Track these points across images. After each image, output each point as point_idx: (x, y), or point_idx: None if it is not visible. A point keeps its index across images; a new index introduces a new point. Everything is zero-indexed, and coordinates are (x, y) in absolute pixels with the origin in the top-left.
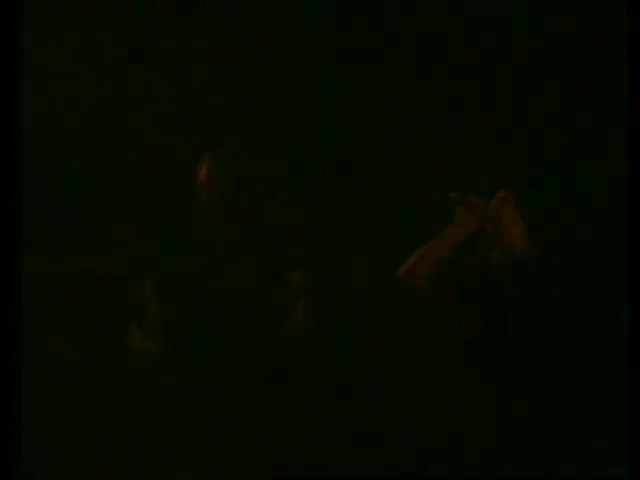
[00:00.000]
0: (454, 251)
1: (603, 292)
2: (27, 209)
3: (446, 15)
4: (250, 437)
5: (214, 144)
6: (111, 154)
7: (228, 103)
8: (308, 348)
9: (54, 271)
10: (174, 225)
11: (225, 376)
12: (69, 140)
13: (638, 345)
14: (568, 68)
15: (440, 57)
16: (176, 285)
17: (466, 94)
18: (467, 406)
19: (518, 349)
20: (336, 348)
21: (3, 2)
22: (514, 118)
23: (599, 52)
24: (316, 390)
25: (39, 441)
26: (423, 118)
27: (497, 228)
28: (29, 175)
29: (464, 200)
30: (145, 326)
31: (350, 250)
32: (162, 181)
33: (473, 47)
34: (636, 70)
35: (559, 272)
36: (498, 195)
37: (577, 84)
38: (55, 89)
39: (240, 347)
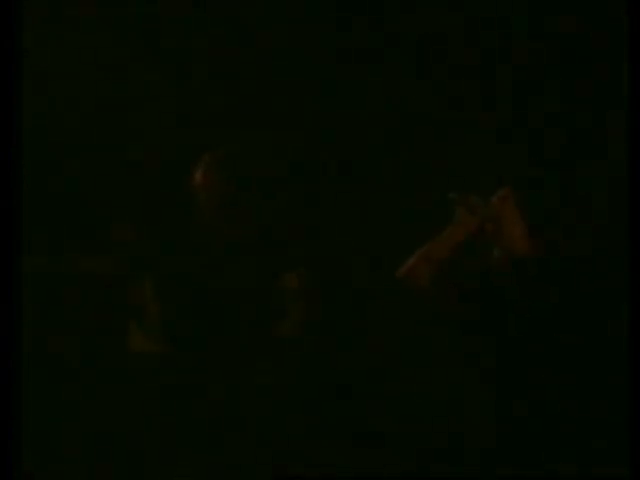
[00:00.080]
0: (454, 251)
1: (603, 292)
2: (27, 209)
3: (446, 15)
4: (250, 437)
5: (214, 144)
6: (111, 154)
7: (228, 103)
8: (308, 348)
9: (54, 271)
10: (174, 225)
11: (225, 376)
12: (69, 140)
13: (638, 345)
14: (568, 68)
15: (440, 57)
16: (176, 285)
17: (466, 94)
18: (467, 406)
19: (518, 349)
20: (336, 348)
21: (3, 2)
22: (514, 118)
23: (599, 52)
24: (316, 390)
25: (39, 441)
26: (423, 118)
27: (497, 228)
28: (29, 175)
29: (464, 200)
30: (145, 326)
31: (350, 250)
32: (162, 181)
33: (473, 47)
34: (636, 70)
35: (559, 272)
36: (498, 194)
37: (577, 84)
38: (55, 89)
39: (240, 347)
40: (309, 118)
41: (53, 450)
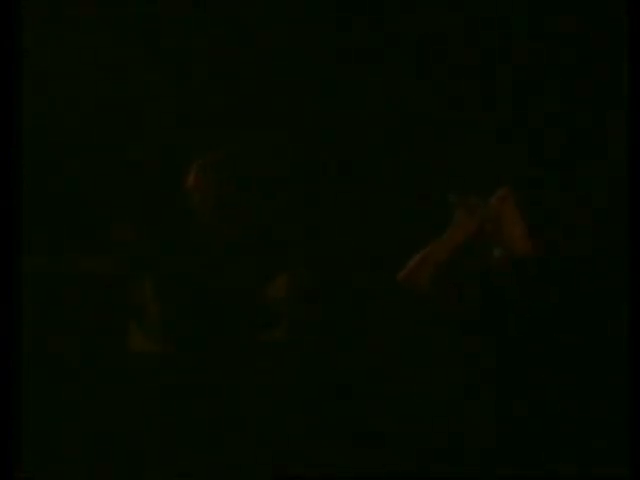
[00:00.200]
0: (454, 253)
1: (603, 292)
2: (27, 209)
3: (446, 15)
4: (250, 437)
5: (214, 144)
6: (111, 154)
7: (228, 103)
8: (308, 348)
9: (54, 271)
10: (173, 225)
11: (225, 376)
12: (69, 140)
13: (638, 345)
14: (568, 68)
15: (440, 57)
16: (175, 285)
17: (466, 94)
18: (467, 406)
19: (518, 349)
20: (336, 348)
21: (3, 2)
22: (514, 118)
23: (599, 52)
24: (316, 390)
25: (39, 441)
26: (423, 118)
27: (497, 228)
28: (29, 175)
29: (463, 202)
30: (145, 326)
31: (350, 251)
32: (162, 181)
33: (473, 47)
34: (636, 70)
35: (559, 272)
36: (497, 194)
37: (577, 84)
38: (55, 89)
39: (239, 347)
40: (308, 118)
41: (53, 450)
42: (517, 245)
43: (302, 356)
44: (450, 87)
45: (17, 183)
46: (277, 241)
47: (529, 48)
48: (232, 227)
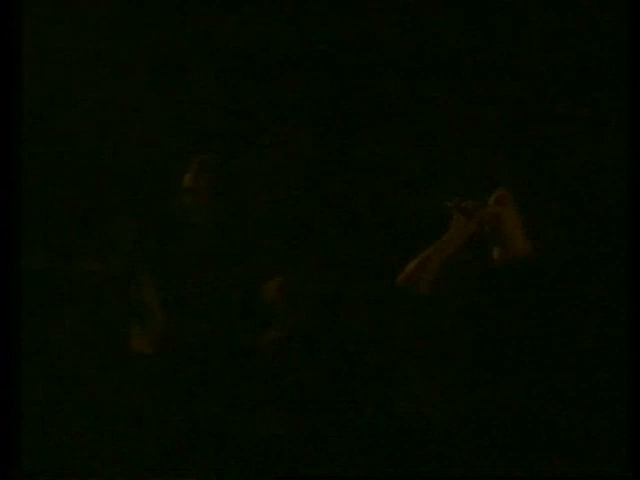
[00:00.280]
0: (453, 257)
1: (603, 292)
2: (27, 209)
3: (445, 17)
4: (250, 437)
5: (214, 144)
6: (111, 154)
7: (227, 103)
8: (307, 348)
9: (54, 271)
10: (171, 225)
11: (225, 376)
12: (69, 140)
13: (638, 345)
14: (568, 68)
15: (436, 58)
16: (173, 285)
17: (466, 93)
18: (467, 406)
19: (518, 349)
20: (336, 348)
21: (3, 2)
22: (514, 118)
23: (599, 52)
24: (316, 390)
25: (39, 441)
26: (420, 120)
27: (496, 229)
28: (29, 175)
29: (460, 206)
30: (146, 326)
31: (348, 251)
32: (162, 181)
33: (473, 47)
34: (636, 70)
35: (559, 272)
36: (494, 195)
37: (577, 84)
38: (55, 89)
39: (239, 347)
40: (304, 122)
41: (53, 450)
42: (516, 245)
43: (302, 356)
44: (449, 88)
45: (17, 183)
46: (271, 242)
47: (528, 48)
48: (227, 227)
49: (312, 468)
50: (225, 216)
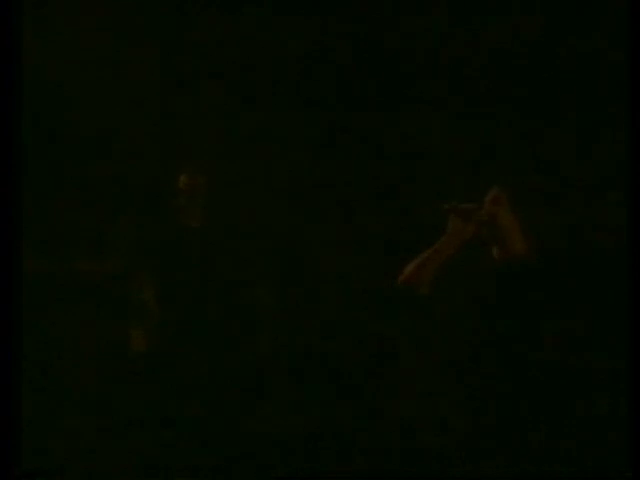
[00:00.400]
0: (452, 258)
1: (603, 292)
2: (27, 210)
3: (443, 18)
4: (250, 437)
5: (214, 144)
6: (111, 154)
7: (227, 102)
8: (308, 348)
9: (54, 271)
10: (172, 225)
11: (225, 376)
12: (69, 142)
13: (638, 345)
14: (568, 68)
15: (438, 58)
16: (167, 286)
17: (465, 94)
18: (467, 406)
19: (518, 349)
20: (336, 348)
21: (3, 2)
22: (513, 119)
23: (598, 53)
24: (316, 390)
25: (39, 441)
26: (422, 119)
27: (493, 230)
28: (29, 175)
29: (456, 208)
30: (145, 325)
31: (345, 252)
32: (162, 181)
33: (473, 47)
34: (636, 70)
35: (559, 272)
36: (489, 195)
37: (577, 85)
38: (55, 89)
39: (238, 347)
40: (299, 126)
41: (53, 449)
42: (514, 245)
43: (301, 357)
44: (449, 88)
45: (17, 183)
46: (262, 243)
47: (528, 48)
48: (219, 229)
49: (312, 468)
50: (219, 218)
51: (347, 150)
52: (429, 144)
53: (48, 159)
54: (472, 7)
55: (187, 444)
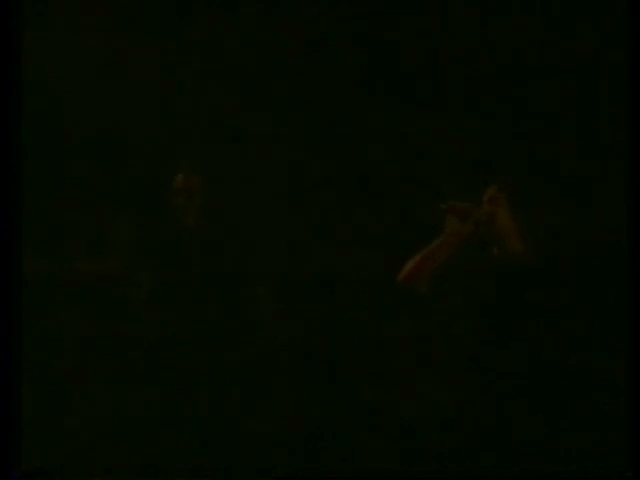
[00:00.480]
0: (451, 258)
1: (603, 292)
2: (27, 210)
3: (441, 17)
4: (249, 437)
5: (214, 143)
6: (111, 154)
7: (227, 103)
8: (309, 349)
9: (54, 271)
10: (171, 225)
11: (225, 377)
12: (69, 140)
13: (638, 345)
14: (568, 68)
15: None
16: (170, 284)
17: (465, 94)
18: (467, 406)
19: (519, 349)
20: (335, 349)
21: (3, 2)
22: (513, 119)
23: (598, 53)
24: (316, 390)
25: (39, 441)
26: (421, 120)
27: (492, 229)
28: (29, 175)
29: (453, 209)
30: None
31: (347, 250)
32: (162, 181)
33: (473, 47)
34: (636, 70)
35: (558, 272)
36: (487, 195)
37: (577, 85)
38: (55, 89)
39: (238, 347)
40: (296, 126)
41: (53, 449)
42: (511, 245)
43: (301, 357)
44: (448, 88)
45: (17, 183)
46: (261, 243)
47: (528, 48)
48: (216, 228)
49: (312, 468)
50: (217, 218)
51: (347, 150)
52: (429, 144)
53: (48, 159)
54: (472, 7)
55: (187, 444)
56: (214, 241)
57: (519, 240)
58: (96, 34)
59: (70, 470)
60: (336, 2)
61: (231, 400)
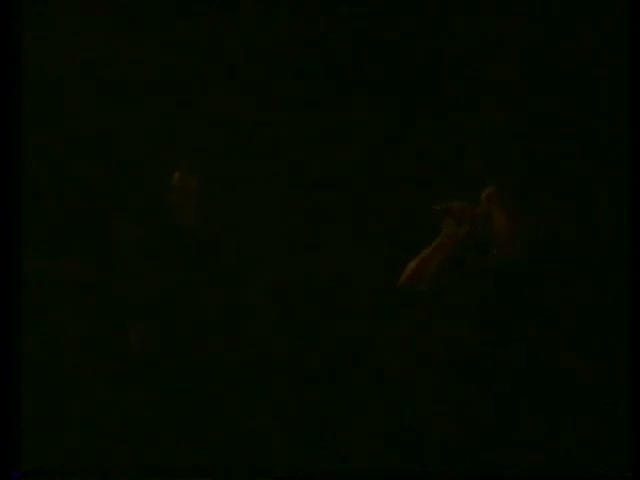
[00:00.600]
0: (450, 258)
1: (603, 292)
2: (27, 210)
3: (440, 17)
4: (249, 437)
5: (214, 143)
6: (111, 154)
7: (226, 102)
8: (309, 350)
9: (54, 271)
10: (171, 225)
11: (225, 378)
12: (69, 140)
13: (638, 345)
14: (568, 68)
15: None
16: (168, 284)
17: (465, 94)
18: (467, 406)
19: (519, 349)
20: (335, 349)
21: (3, 2)
22: (512, 118)
23: (598, 53)
24: (316, 390)
25: (39, 441)
26: (421, 120)
27: (488, 228)
28: (29, 175)
29: (447, 209)
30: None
31: (340, 253)
32: (161, 181)
33: (472, 46)
34: (636, 70)
35: (558, 272)
36: (484, 194)
37: (577, 85)
38: (55, 89)
39: (238, 347)
40: (293, 127)
41: (53, 449)
42: (507, 244)
43: (301, 357)
44: (448, 88)
45: (17, 184)
46: (259, 243)
47: (528, 48)
48: (212, 226)
49: (312, 468)
50: (214, 217)
51: (347, 150)
52: (429, 144)
53: (48, 159)
54: (472, 7)
55: (187, 444)
56: (214, 241)
57: (515, 239)
58: (96, 34)
59: (70, 470)
60: (336, 2)
61: (231, 400)
